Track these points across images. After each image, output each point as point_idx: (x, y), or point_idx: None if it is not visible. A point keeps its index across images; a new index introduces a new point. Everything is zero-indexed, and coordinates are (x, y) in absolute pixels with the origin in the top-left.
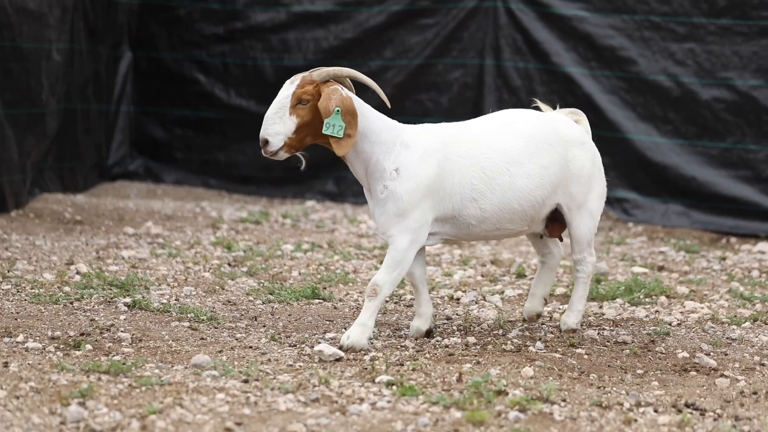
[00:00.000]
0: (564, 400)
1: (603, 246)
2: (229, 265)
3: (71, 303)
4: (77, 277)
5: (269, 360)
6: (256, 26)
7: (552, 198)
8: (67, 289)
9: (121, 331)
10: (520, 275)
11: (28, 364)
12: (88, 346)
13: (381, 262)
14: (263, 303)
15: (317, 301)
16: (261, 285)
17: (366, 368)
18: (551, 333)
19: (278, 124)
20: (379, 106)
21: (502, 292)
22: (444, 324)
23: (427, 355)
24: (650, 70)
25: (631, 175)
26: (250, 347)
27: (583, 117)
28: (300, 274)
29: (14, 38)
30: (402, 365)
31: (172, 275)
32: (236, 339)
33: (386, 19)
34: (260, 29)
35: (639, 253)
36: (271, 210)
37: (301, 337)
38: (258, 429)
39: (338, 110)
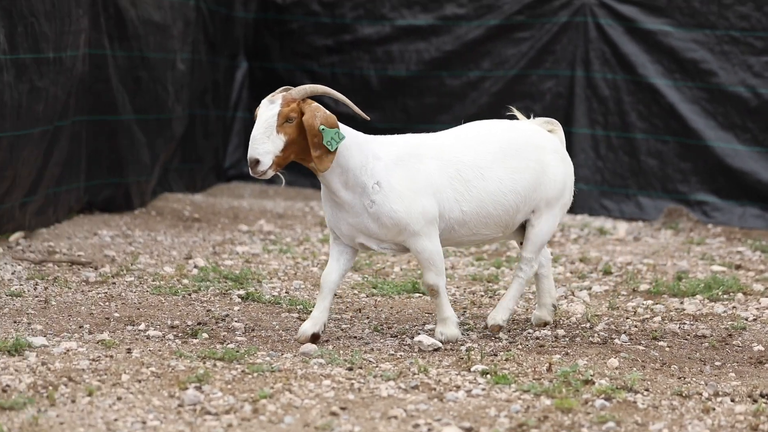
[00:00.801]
0: (647, 390)
1: (684, 246)
2: None
3: (189, 294)
4: (195, 271)
5: (372, 349)
6: (363, 39)
7: (526, 204)
8: (185, 281)
9: (235, 321)
10: (607, 272)
11: (149, 350)
12: (205, 335)
13: (477, 260)
14: (367, 296)
15: (417, 295)
16: (365, 279)
17: (462, 358)
18: (635, 327)
19: (267, 144)
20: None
21: (590, 288)
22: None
23: (520, 346)
24: (730, 82)
25: (711, 179)
26: (355, 337)
27: (558, 127)
28: (401, 269)
29: (142, 49)
30: (496, 355)
31: (282, 270)
32: (341, 329)
33: (484, 32)
34: (367, 41)
35: (717, 253)
36: None
37: (401, 328)
38: (361, 413)
39: (323, 127)
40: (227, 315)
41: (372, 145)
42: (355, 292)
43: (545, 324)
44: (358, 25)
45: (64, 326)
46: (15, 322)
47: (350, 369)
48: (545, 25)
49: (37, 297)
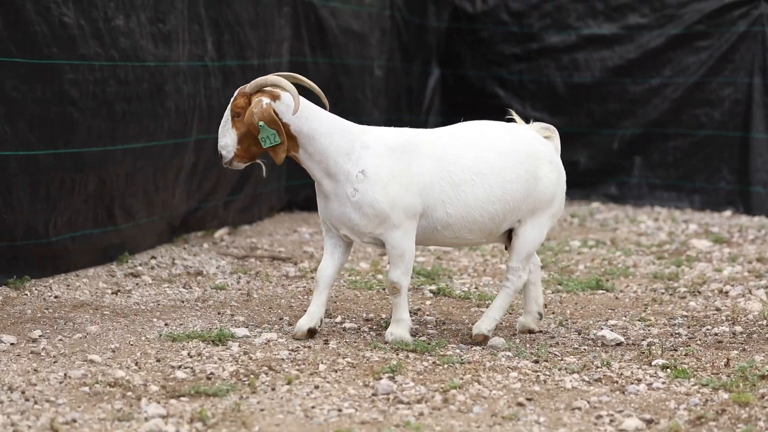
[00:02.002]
0: None
1: None
2: None
3: (383, 289)
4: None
5: (557, 343)
6: (550, 47)
7: (513, 214)
8: (380, 276)
9: (427, 315)
10: None
11: (345, 342)
12: None
13: (659, 258)
14: (552, 292)
15: (600, 291)
16: (551, 276)
17: (643, 352)
18: None
19: (226, 137)
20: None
21: (767, 287)
22: (714, 314)
23: (698, 342)
24: None
25: None
26: (540, 331)
27: (555, 133)
28: (585, 267)
29: (342, 56)
30: (675, 350)
31: (472, 266)
32: None
33: (665, 41)
34: (553, 50)
35: None
36: None
37: (585, 323)
38: (546, 404)
39: (262, 124)
40: (419, 309)
41: (363, 135)
42: (542, 288)
43: (530, 331)
44: (545, 34)
45: (265, 318)
46: (219, 313)
47: (536, 362)
48: (724, 35)
49: (239, 290)
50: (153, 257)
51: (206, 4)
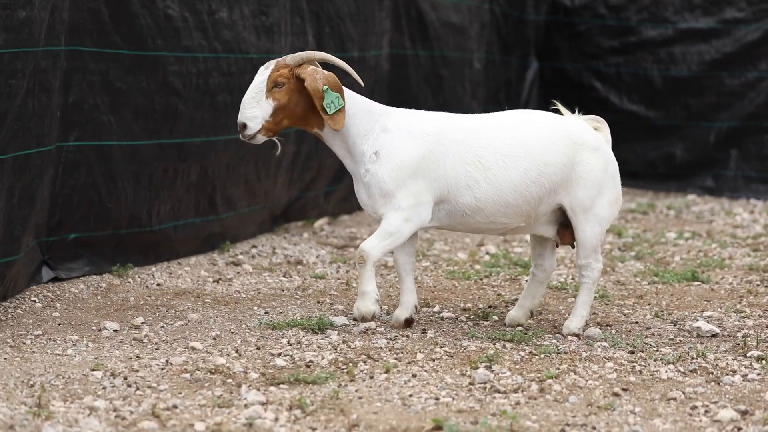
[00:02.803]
0: None
1: None
2: (620, 249)
3: (481, 279)
4: (486, 257)
5: (653, 334)
6: (647, 40)
7: (551, 197)
8: (477, 267)
9: None
10: None
11: (443, 331)
12: (495, 317)
13: (754, 250)
14: (648, 284)
15: (696, 283)
16: (647, 268)
17: (738, 344)
18: None
19: (255, 108)
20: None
21: None
22: None
23: None
24: None
25: None
26: (636, 322)
27: (603, 125)
28: (681, 259)
29: (442, 48)
30: None
31: (569, 257)
32: (624, 315)
33: (762, 35)
34: (650, 43)
35: None
36: (656, 202)
37: (681, 314)
38: (642, 395)
39: (326, 88)
40: (516, 299)
41: (385, 118)
42: (638, 279)
43: (518, 325)
44: (643, 28)
45: None
46: (318, 302)
47: (632, 352)
48: None
49: (339, 279)
50: (254, 246)
51: None
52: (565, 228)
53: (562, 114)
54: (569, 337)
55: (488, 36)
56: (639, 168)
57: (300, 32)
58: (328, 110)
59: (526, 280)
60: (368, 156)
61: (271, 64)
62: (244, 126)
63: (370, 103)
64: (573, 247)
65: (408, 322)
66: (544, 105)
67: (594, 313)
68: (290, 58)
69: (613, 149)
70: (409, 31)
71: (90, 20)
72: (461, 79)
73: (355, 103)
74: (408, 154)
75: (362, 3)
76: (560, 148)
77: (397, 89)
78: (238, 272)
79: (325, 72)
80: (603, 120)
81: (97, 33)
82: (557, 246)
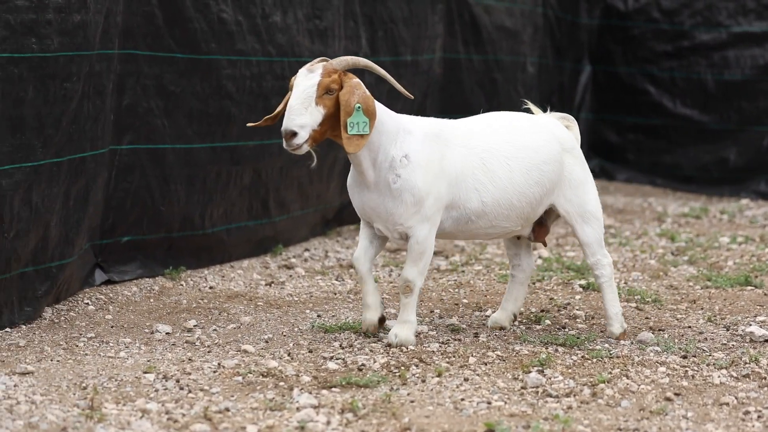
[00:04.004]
0: None
1: None
2: (672, 254)
3: (533, 283)
4: (539, 261)
5: (705, 339)
6: (701, 44)
7: (548, 198)
8: None
9: (576, 309)
10: None
11: (495, 335)
12: (547, 321)
13: None
14: (701, 288)
15: (749, 287)
16: (700, 272)
17: None
18: None
19: (305, 116)
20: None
21: None
22: None
23: None
24: None
25: None
26: (689, 327)
27: (573, 123)
28: (735, 263)
29: (496, 52)
30: None
31: (621, 261)
32: (677, 319)
33: None
34: (704, 47)
35: None
36: (709, 206)
37: (734, 319)
38: (694, 400)
39: (359, 107)
40: (569, 303)
41: (404, 121)
42: (690, 284)
43: (501, 328)
44: (696, 32)
45: (416, 311)
46: None
47: (684, 357)
48: None
49: (391, 283)
50: (306, 249)
51: (361, 1)
52: (538, 225)
53: (533, 113)
54: (621, 341)
55: (541, 40)
56: (692, 172)
57: (353, 36)
58: (348, 129)
59: (581, 285)
60: (398, 160)
61: (317, 68)
62: (294, 134)
63: (386, 108)
64: (545, 244)
65: (381, 321)
66: (597, 109)
67: (646, 318)
68: (337, 63)
69: (666, 153)
70: (462, 35)
71: (144, 24)
72: (514, 83)
73: (380, 109)
74: (432, 154)
75: (415, 7)
76: (553, 147)
77: (450, 93)
78: (290, 275)
79: (367, 93)
80: (573, 118)
81: (152, 37)
82: (531, 241)
